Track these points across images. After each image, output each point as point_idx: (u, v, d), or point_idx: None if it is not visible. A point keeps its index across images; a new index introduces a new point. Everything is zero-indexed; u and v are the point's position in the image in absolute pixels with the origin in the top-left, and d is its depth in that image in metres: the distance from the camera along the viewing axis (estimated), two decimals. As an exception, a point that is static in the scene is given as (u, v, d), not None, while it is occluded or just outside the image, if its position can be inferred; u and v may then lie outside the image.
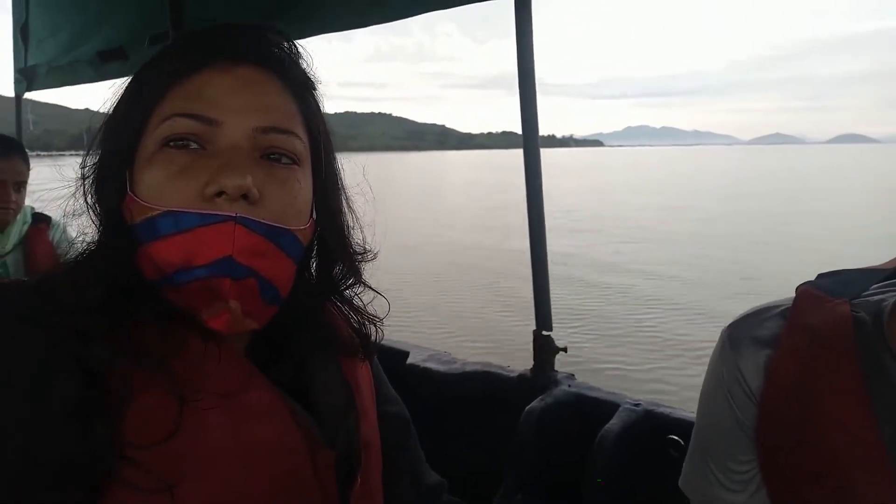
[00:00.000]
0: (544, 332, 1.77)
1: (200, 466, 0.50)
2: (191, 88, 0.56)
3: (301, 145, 0.60)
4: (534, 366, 1.76)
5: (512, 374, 1.78)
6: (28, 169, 1.98)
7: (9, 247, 1.98)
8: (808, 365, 0.69)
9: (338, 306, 0.71)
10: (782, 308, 0.75)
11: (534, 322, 1.78)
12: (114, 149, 0.58)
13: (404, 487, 0.73)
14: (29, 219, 2.06)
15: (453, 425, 1.80)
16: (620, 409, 1.51)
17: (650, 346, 6.58)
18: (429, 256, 11.93)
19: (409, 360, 1.94)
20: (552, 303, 1.81)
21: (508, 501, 1.58)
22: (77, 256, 0.58)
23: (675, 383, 5.45)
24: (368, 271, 0.70)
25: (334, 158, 0.66)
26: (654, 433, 1.46)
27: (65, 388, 0.48)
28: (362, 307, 0.71)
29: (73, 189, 0.61)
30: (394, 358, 1.93)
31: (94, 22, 2.71)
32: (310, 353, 0.65)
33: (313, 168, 0.62)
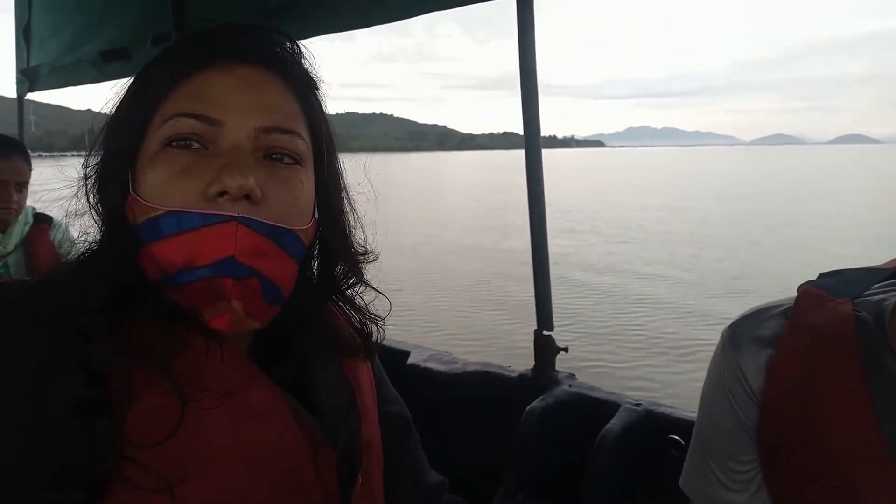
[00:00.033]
0: (545, 332, 1.77)
1: (201, 466, 0.50)
2: (193, 88, 0.57)
3: (303, 145, 0.60)
4: (534, 366, 1.76)
5: (513, 374, 1.78)
6: (30, 169, 1.99)
7: (10, 247, 1.98)
8: (809, 364, 0.69)
9: (339, 306, 0.71)
10: (784, 307, 0.75)
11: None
12: (116, 149, 0.59)
13: (405, 487, 0.73)
14: (31, 219, 2.06)
15: (454, 425, 1.80)
16: (621, 409, 1.51)
17: (635, 345, 6.63)
18: (425, 257, 11.96)
19: (410, 360, 1.94)
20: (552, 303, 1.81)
21: (509, 501, 1.58)
22: (79, 256, 0.58)
23: (659, 380, 5.49)
24: (369, 271, 0.70)
25: (336, 158, 0.66)
26: (655, 433, 1.46)
27: (65, 387, 0.48)
28: (364, 307, 0.71)
29: (75, 189, 0.61)
30: (394, 358, 1.93)
31: (97, 22, 2.71)
32: (311, 353, 0.65)
33: (315, 168, 0.62)
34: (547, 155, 1.77)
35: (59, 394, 0.48)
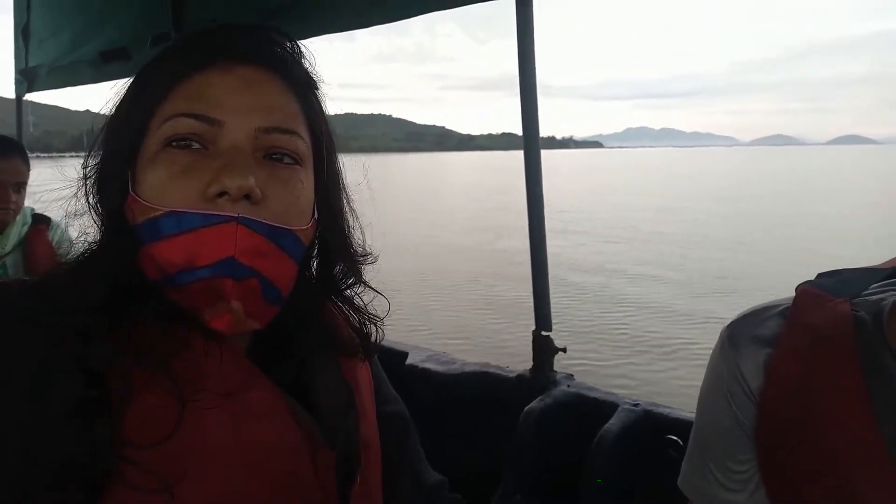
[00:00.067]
0: (543, 333, 1.78)
1: (200, 466, 0.50)
2: (193, 89, 0.56)
3: (303, 145, 0.60)
4: (533, 366, 1.76)
5: (511, 375, 1.78)
6: (28, 169, 1.98)
7: (8, 247, 1.98)
8: (808, 364, 0.69)
9: (338, 306, 0.71)
10: (782, 307, 0.75)
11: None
12: (116, 149, 0.58)
13: (405, 487, 0.73)
14: (29, 219, 2.06)
15: (452, 426, 1.80)
16: (619, 409, 1.51)
17: (619, 343, 6.72)
18: (418, 257, 12.00)
19: (408, 361, 1.94)
20: (551, 303, 1.81)
21: (507, 502, 1.58)
22: (78, 256, 0.58)
23: (640, 378, 5.56)
24: (367, 273, 0.70)
25: (336, 158, 0.66)
26: (653, 433, 1.47)
27: (65, 387, 0.48)
28: (363, 307, 0.71)
29: (74, 189, 0.61)
30: (393, 358, 1.93)
31: (96, 22, 2.71)
32: (310, 354, 0.65)
33: (315, 168, 0.62)
34: (545, 156, 1.77)
35: (59, 394, 0.48)
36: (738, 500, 0.76)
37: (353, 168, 0.71)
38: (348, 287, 0.69)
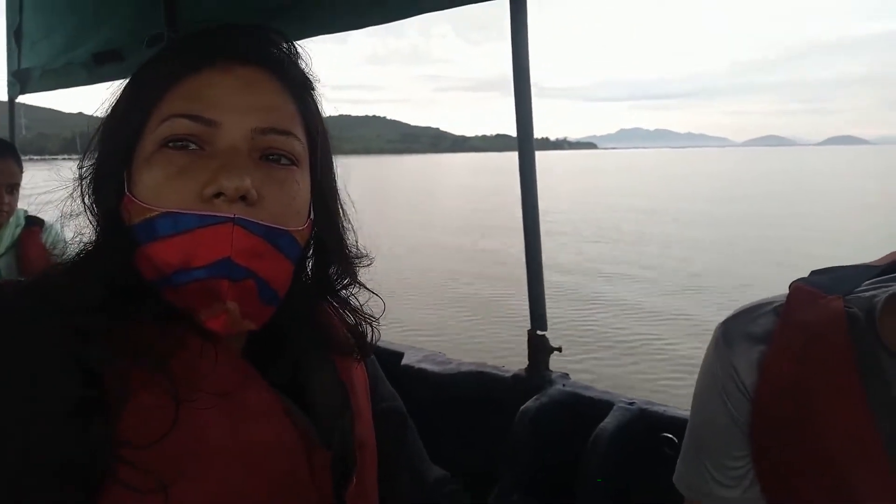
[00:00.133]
0: (539, 332, 1.78)
1: (196, 466, 0.50)
2: (189, 89, 0.56)
3: (300, 146, 0.60)
4: (528, 365, 1.77)
5: (506, 374, 1.78)
6: (21, 171, 1.98)
7: (1, 250, 1.97)
8: (801, 361, 0.70)
9: (333, 306, 0.71)
10: (776, 304, 0.75)
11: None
12: (112, 149, 0.58)
13: (404, 483, 0.73)
14: (22, 221, 2.05)
15: (448, 426, 1.80)
16: (615, 407, 1.52)
17: (585, 338, 6.83)
18: (400, 258, 12.04)
19: (404, 361, 1.93)
20: (547, 303, 1.81)
21: (504, 501, 1.58)
22: (74, 257, 0.58)
23: (598, 373, 5.66)
24: (362, 275, 0.71)
25: (332, 159, 0.67)
26: (649, 431, 1.47)
27: (63, 387, 0.48)
28: (358, 307, 0.72)
29: (69, 191, 0.61)
30: (388, 359, 1.93)
31: (89, 24, 2.69)
32: (305, 354, 0.65)
33: (311, 168, 0.62)
34: (540, 157, 1.78)
35: (57, 394, 0.48)
36: (732, 497, 0.77)
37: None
38: (344, 287, 0.69)
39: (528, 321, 1.78)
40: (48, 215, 2.06)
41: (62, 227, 0.61)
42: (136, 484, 0.47)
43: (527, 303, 1.79)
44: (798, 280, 0.77)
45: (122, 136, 0.58)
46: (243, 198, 0.53)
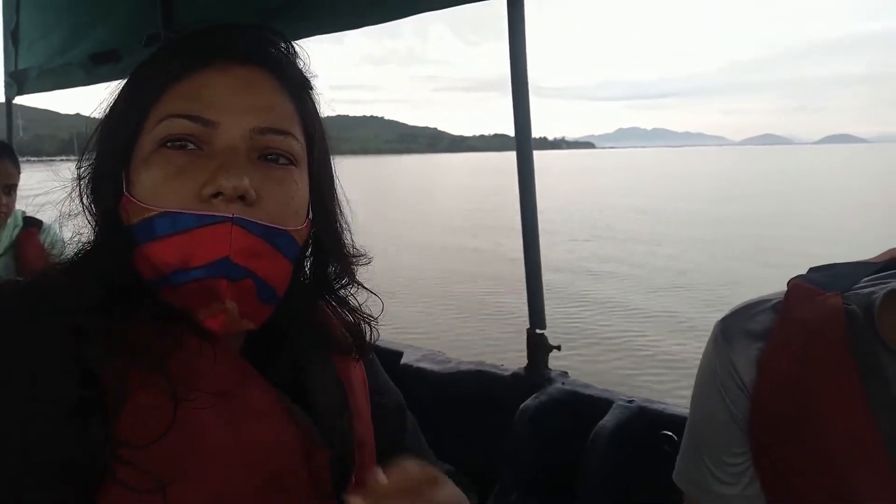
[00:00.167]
0: (538, 331, 1.78)
1: (195, 466, 0.50)
2: (188, 89, 0.56)
3: (298, 146, 0.60)
4: (528, 364, 1.77)
5: (506, 373, 1.79)
6: (18, 172, 1.98)
7: (0, 250, 1.97)
8: (800, 358, 0.70)
9: (332, 306, 0.71)
10: (774, 301, 0.76)
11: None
12: (110, 149, 0.58)
13: None
14: (20, 222, 2.05)
15: (448, 425, 1.80)
16: (614, 405, 1.52)
17: (571, 335, 6.87)
18: (393, 256, 12.13)
19: (403, 361, 1.94)
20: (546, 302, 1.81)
21: (504, 500, 1.59)
22: (72, 257, 0.58)
23: (582, 370, 5.76)
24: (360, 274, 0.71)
25: (330, 158, 0.67)
26: (648, 429, 1.47)
27: (62, 387, 0.48)
28: (357, 306, 0.72)
29: (67, 191, 0.61)
30: (388, 358, 1.93)
31: (86, 24, 2.69)
32: (304, 353, 0.65)
33: (309, 168, 0.62)
34: (537, 156, 1.78)
35: (56, 393, 0.48)
36: (732, 493, 0.77)
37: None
38: (342, 287, 0.69)
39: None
40: (46, 216, 2.06)
41: (60, 227, 0.61)
42: (135, 484, 0.47)
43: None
44: (796, 277, 0.77)
45: (121, 136, 0.58)
46: (242, 197, 0.53)
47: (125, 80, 0.61)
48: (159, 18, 2.32)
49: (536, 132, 1.95)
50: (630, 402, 1.53)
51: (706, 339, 0.80)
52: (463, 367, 1.85)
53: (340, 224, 0.67)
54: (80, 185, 0.60)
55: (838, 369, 0.67)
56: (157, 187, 0.54)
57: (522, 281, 1.78)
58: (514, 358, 1.83)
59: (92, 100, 0.62)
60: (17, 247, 2.02)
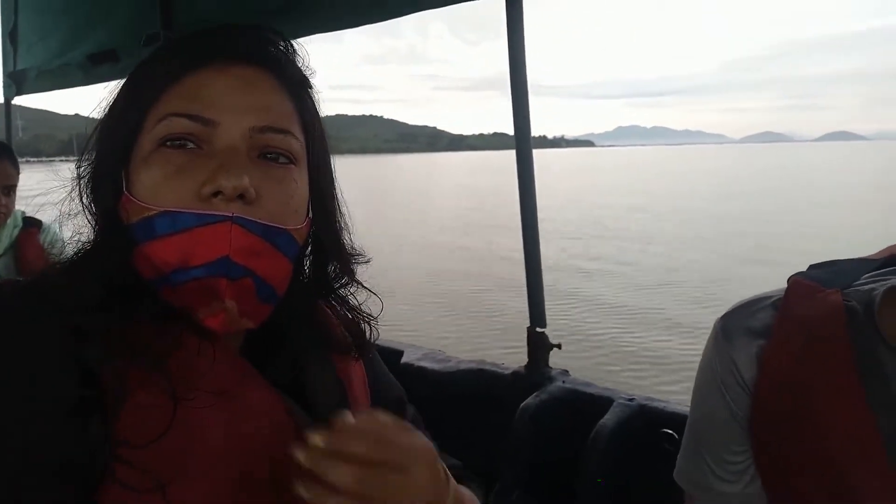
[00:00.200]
0: (538, 329, 1.78)
1: (195, 465, 0.50)
2: (187, 88, 0.56)
3: (297, 144, 0.59)
4: (528, 362, 1.77)
5: (506, 372, 1.79)
6: (17, 173, 1.98)
7: (-1, 251, 1.97)
8: (800, 355, 0.70)
9: (332, 305, 0.71)
10: (774, 299, 0.76)
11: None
12: (110, 149, 0.58)
13: None
14: (20, 223, 2.05)
15: (448, 424, 1.80)
16: (615, 404, 1.52)
17: (558, 332, 6.91)
18: (387, 255, 12.18)
19: (404, 360, 1.94)
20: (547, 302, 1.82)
21: (504, 499, 1.59)
22: (72, 256, 0.58)
23: (565, 366, 5.68)
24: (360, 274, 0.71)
25: (330, 157, 0.67)
26: (649, 428, 1.47)
27: (62, 387, 0.48)
28: (357, 305, 0.72)
29: (68, 190, 0.61)
30: (388, 357, 1.92)
31: (84, 25, 2.69)
32: (303, 352, 0.65)
33: (309, 167, 0.62)
34: (537, 155, 1.78)
35: (56, 393, 0.48)
36: (733, 491, 0.77)
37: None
38: (342, 286, 0.69)
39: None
40: (45, 216, 2.06)
41: (60, 226, 0.61)
42: (135, 483, 0.47)
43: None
44: (796, 274, 0.77)
45: (120, 136, 0.58)
46: (241, 196, 0.53)
47: (124, 80, 0.61)
48: (158, 19, 2.32)
49: (536, 130, 1.95)
50: (631, 400, 1.53)
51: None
52: (463, 366, 1.85)
53: (340, 223, 0.67)
54: (79, 185, 0.60)
55: (838, 366, 0.67)
56: (156, 186, 0.54)
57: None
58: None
59: (91, 100, 0.62)
60: (16, 247, 2.02)
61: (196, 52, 0.58)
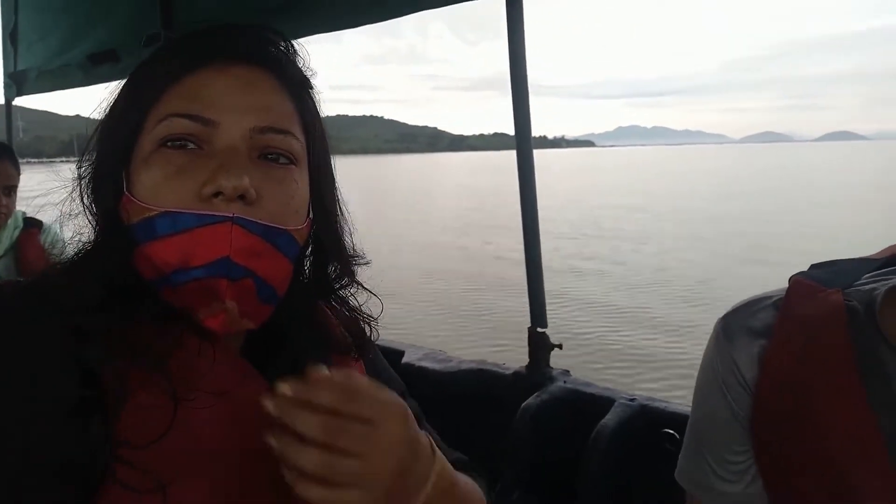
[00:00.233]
0: (539, 329, 1.78)
1: (195, 466, 0.50)
2: (187, 88, 0.56)
3: (298, 145, 0.59)
4: (529, 363, 1.77)
5: (507, 372, 1.79)
6: (18, 174, 1.98)
7: (0, 252, 1.97)
8: (801, 355, 0.70)
9: (332, 305, 0.71)
10: (775, 298, 0.75)
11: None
12: (110, 149, 0.58)
13: None
14: (21, 223, 2.05)
15: (449, 424, 1.80)
16: (616, 404, 1.52)
17: (547, 330, 7.01)
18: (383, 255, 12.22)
19: (405, 360, 1.94)
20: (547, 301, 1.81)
21: (505, 499, 1.59)
22: (72, 257, 0.58)
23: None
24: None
25: (330, 158, 0.66)
26: (650, 428, 1.47)
27: (63, 387, 0.48)
28: (357, 307, 0.71)
29: (69, 190, 0.61)
30: (389, 357, 1.92)
31: (85, 25, 2.69)
32: (304, 352, 0.65)
33: (309, 167, 0.62)
34: (537, 155, 1.78)
35: (57, 393, 0.48)
36: (734, 491, 0.77)
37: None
38: (342, 287, 0.69)
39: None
40: (46, 217, 2.06)
41: (61, 227, 0.61)
42: (135, 484, 0.47)
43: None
44: (797, 274, 0.77)
45: (121, 136, 0.58)
46: (242, 197, 0.53)
47: (125, 80, 0.61)
48: (159, 18, 2.32)
49: (536, 131, 1.95)
50: (632, 400, 1.53)
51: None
52: (464, 366, 1.85)
53: (340, 224, 0.67)
54: (80, 185, 0.60)
55: (839, 366, 0.67)
56: (157, 187, 0.54)
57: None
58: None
59: (92, 101, 0.62)
60: (17, 248, 2.02)
61: (196, 52, 0.58)
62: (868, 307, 0.68)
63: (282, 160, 0.58)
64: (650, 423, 1.48)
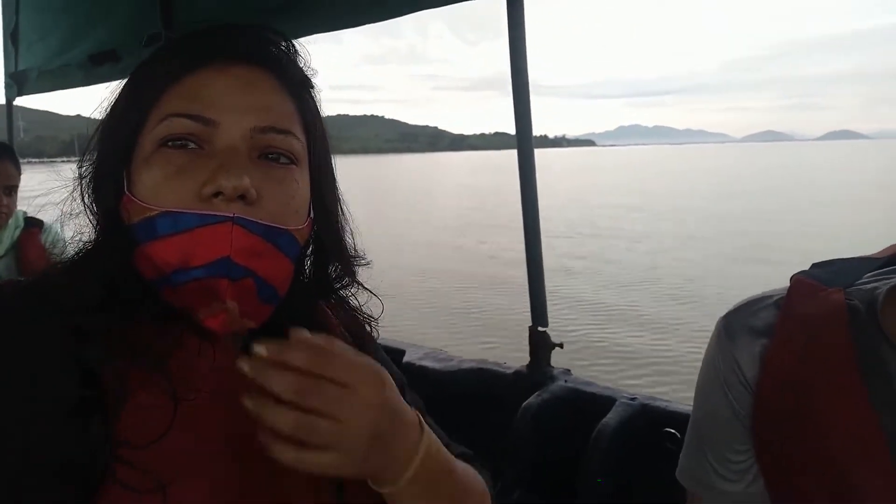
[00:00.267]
0: (540, 328, 1.78)
1: (195, 466, 0.50)
2: (188, 88, 0.56)
3: (298, 145, 0.59)
4: (530, 362, 1.77)
5: (508, 371, 1.79)
6: (19, 173, 1.98)
7: (1, 251, 1.97)
8: (802, 354, 0.70)
9: (332, 305, 0.71)
10: (776, 297, 0.75)
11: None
12: (111, 149, 0.58)
13: None
14: (21, 223, 2.05)
15: (450, 423, 1.80)
16: (617, 403, 1.52)
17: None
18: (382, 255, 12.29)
19: (405, 359, 1.94)
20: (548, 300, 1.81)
21: (506, 498, 1.59)
22: (73, 256, 0.58)
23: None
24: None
25: (331, 158, 0.66)
26: (651, 427, 1.47)
27: (63, 387, 0.48)
28: (357, 307, 0.71)
29: (70, 190, 0.61)
30: (389, 357, 1.93)
31: (85, 25, 2.69)
32: None
33: (310, 167, 0.62)
34: (538, 154, 1.78)
35: (57, 393, 0.48)
36: (735, 490, 0.77)
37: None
38: (343, 287, 0.69)
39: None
40: (47, 217, 2.06)
41: (61, 226, 0.61)
42: (135, 484, 0.47)
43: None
44: (799, 273, 0.77)
45: (121, 136, 0.58)
46: (242, 197, 0.53)
47: (125, 80, 0.61)
48: (159, 18, 2.32)
49: (537, 130, 1.95)
50: (633, 399, 1.53)
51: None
52: (465, 366, 1.85)
53: (341, 223, 0.67)
54: (81, 185, 0.60)
55: (840, 366, 0.67)
56: (157, 187, 0.54)
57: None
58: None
59: (93, 101, 0.62)
60: (18, 247, 2.02)
61: (196, 52, 0.58)
62: (869, 306, 0.68)
63: (282, 160, 0.58)
64: (651, 422, 1.48)
